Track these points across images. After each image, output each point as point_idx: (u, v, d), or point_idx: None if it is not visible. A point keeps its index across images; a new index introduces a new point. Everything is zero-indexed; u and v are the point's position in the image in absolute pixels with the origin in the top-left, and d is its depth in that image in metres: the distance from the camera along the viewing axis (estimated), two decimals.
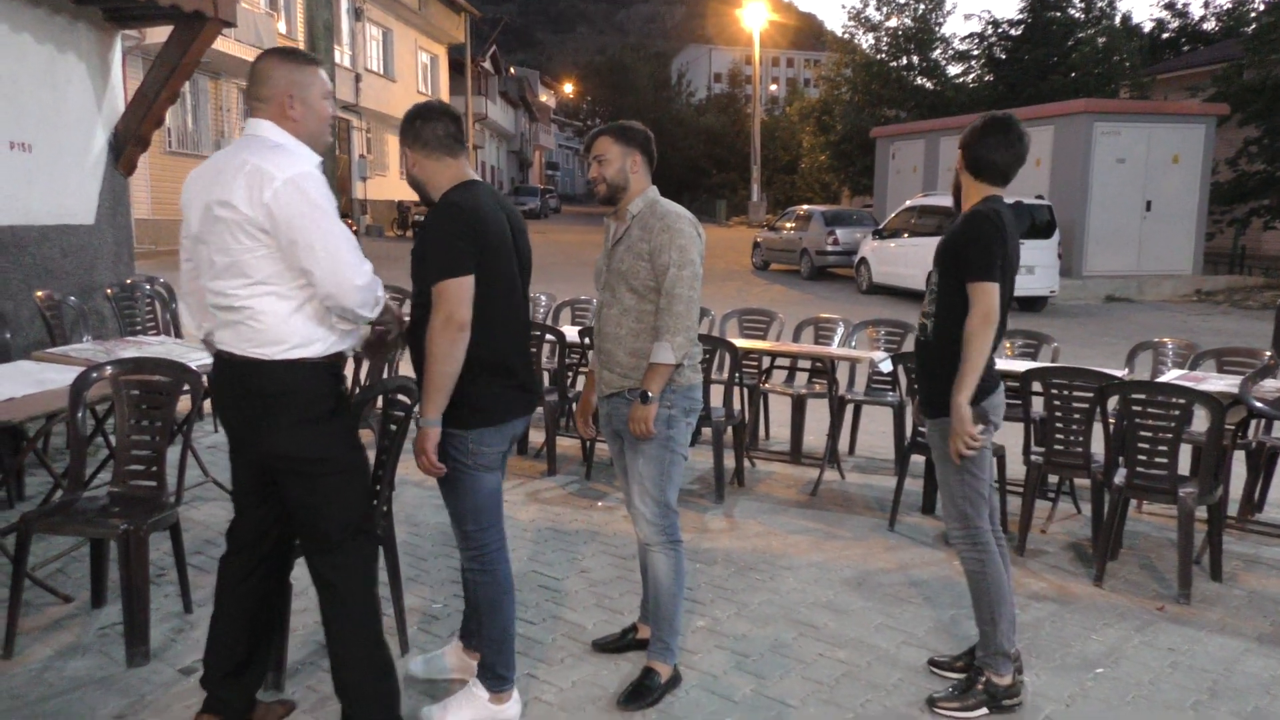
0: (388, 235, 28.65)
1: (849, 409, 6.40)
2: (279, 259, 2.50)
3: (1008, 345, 6.22)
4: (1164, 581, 4.39)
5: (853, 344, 6.75)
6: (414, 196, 3.50)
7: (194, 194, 2.60)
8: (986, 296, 2.98)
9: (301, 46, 7.41)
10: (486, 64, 45.90)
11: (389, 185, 30.66)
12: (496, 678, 3.01)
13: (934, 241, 16.50)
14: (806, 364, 6.63)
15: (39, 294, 5.69)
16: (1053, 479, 5.40)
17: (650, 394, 3.07)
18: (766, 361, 6.50)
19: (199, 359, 4.72)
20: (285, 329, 2.54)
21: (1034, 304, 15.90)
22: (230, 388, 2.63)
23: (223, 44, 19.66)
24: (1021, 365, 5.59)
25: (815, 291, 18.62)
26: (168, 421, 3.57)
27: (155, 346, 4.94)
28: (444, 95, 37.45)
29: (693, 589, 4.18)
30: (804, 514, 5.32)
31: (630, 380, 3.18)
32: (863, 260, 18.42)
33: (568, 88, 75.63)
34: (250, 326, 2.54)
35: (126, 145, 6.94)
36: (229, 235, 2.48)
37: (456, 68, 38.58)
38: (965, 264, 3.02)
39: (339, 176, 27.80)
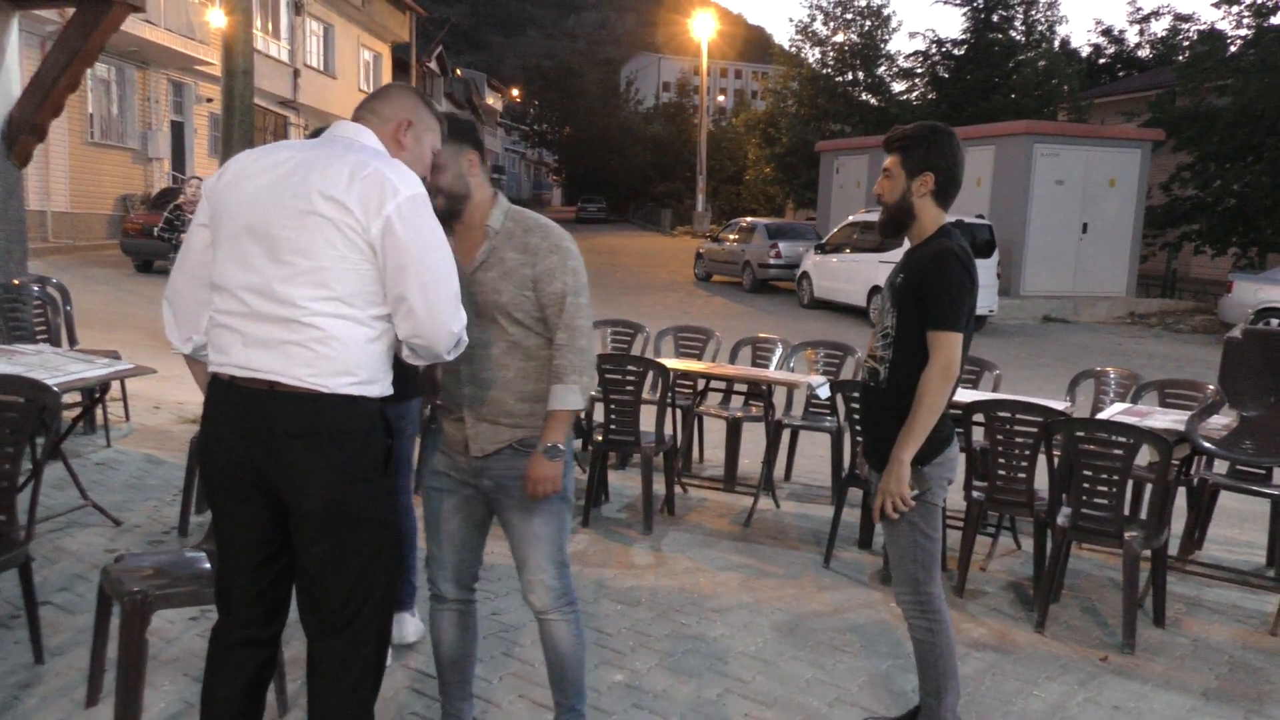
0: None
1: (785, 434, 6.15)
2: (371, 279, 2.15)
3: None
4: (1107, 627, 4.19)
5: (791, 366, 6.52)
6: None
7: (257, 179, 2.19)
8: (949, 348, 2.68)
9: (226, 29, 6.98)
10: (432, 64, 45.22)
11: None
12: None
13: (875, 258, 16.36)
14: (744, 385, 6.38)
15: None
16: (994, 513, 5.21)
17: (560, 446, 2.60)
18: (702, 383, 6.23)
19: (76, 372, 4.31)
20: (357, 359, 2.16)
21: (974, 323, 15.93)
22: (259, 421, 2.15)
23: (151, 33, 18.94)
24: (962, 394, 5.39)
25: (757, 305, 18.47)
26: (19, 448, 3.16)
27: (29, 356, 4.50)
28: None
29: (612, 635, 3.88)
30: (736, 547, 5.04)
31: (523, 430, 2.66)
32: (804, 274, 18.32)
33: (515, 91, 75.05)
34: (312, 350, 2.12)
35: (20, 135, 6.44)
36: (324, 236, 2.11)
37: (401, 67, 37.90)
38: (930, 310, 2.71)
39: None
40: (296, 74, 27.69)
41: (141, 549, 4.41)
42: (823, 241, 18.40)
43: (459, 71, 60.89)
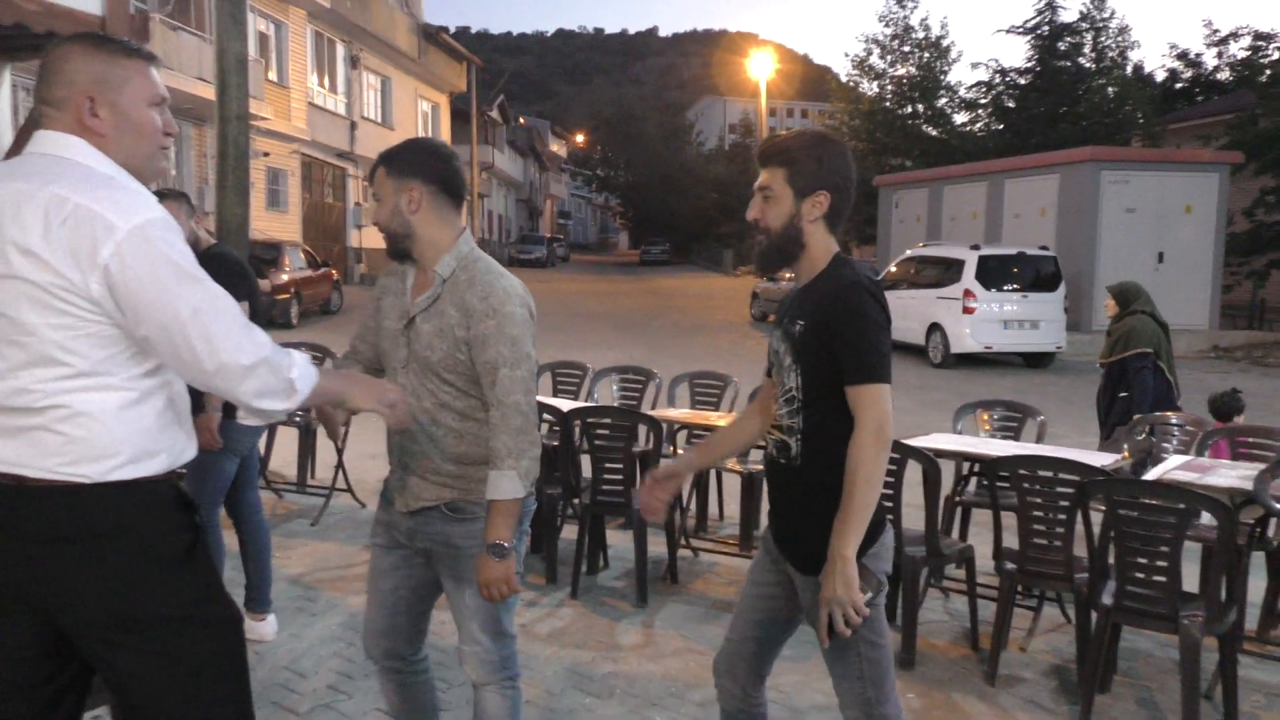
0: None
1: None
2: (117, 338, 1.73)
3: (984, 417, 5.39)
4: None
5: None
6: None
7: None
8: (878, 404, 2.13)
9: (214, 81, 6.80)
10: (494, 113, 45.77)
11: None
12: None
13: (934, 294, 15.59)
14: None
15: None
16: None
17: (505, 545, 2.27)
18: None
19: None
20: (120, 434, 1.73)
21: (1040, 360, 15.09)
22: (5, 525, 1.73)
23: (206, 90, 19.28)
24: (999, 446, 4.76)
25: None
26: None
27: None
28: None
29: None
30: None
31: (452, 490, 2.38)
32: None
33: (580, 137, 75.83)
34: (60, 433, 1.70)
35: None
36: (34, 303, 1.67)
37: (460, 116, 38.38)
38: (847, 361, 2.15)
39: (331, 225, 27.40)
40: (354, 126, 28.09)
41: None
42: (880, 277, 17.72)
43: (522, 120, 61.69)
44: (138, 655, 1.76)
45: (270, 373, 1.79)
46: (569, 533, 5.17)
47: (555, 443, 5.18)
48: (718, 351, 15.58)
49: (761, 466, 5.61)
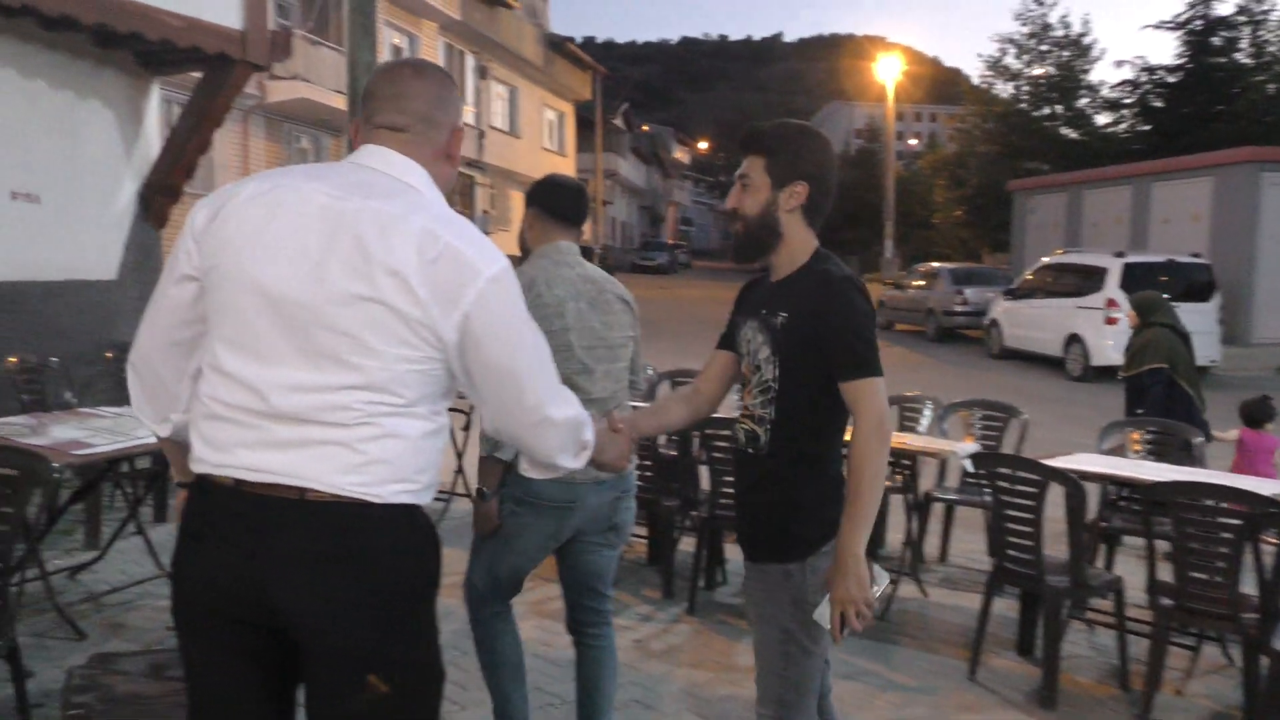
0: None
1: (936, 509, 5.31)
2: (440, 379, 1.69)
3: (1135, 437, 5.01)
4: None
5: (944, 428, 5.65)
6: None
7: (276, 228, 1.64)
8: (877, 399, 2.12)
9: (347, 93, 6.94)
10: (618, 121, 46.18)
11: (510, 240, 30.69)
12: None
13: (1073, 304, 14.92)
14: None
15: (11, 359, 5.21)
16: None
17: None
18: None
19: (143, 436, 4.10)
20: (417, 461, 1.68)
21: None
22: (278, 540, 1.62)
23: (342, 102, 20.01)
24: (1152, 469, 4.40)
25: (939, 355, 17.23)
26: (14, 523, 2.89)
27: (104, 420, 4.35)
28: (571, 152, 37.72)
29: None
30: (864, 647, 4.25)
31: None
32: (994, 322, 16.95)
33: (702, 144, 75.80)
34: (359, 452, 1.62)
35: (156, 197, 6.56)
36: (385, 329, 1.61)
37: (585, 125, 38.83)
38: (840, 357, 2.13)
39: None
40: (482, 135, 28.73)
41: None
42: (1014, 286, 17.01)
43: (646, 127, 62.05)
44: (372, 700, 1.66)
45: (572, 430, 1.82)
46: (687, 545, 5.04)
47: (674, 453, 5.06)
48: None
49: (887, 484, 5.38)
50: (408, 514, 1.68)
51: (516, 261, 2.51)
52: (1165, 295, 13.70)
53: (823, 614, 2.12)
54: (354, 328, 1.60)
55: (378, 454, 1.63)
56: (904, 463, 5.00)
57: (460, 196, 28.58)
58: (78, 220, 6.08)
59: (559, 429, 1.79)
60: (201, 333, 1.72)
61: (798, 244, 2.24)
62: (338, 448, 1.61)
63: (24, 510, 2.92)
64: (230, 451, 1.64)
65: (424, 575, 1.72)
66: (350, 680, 1.65)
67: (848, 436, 2.18)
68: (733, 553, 5.25)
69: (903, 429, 5.75)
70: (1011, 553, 3.89)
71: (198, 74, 6.65)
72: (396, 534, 1.66)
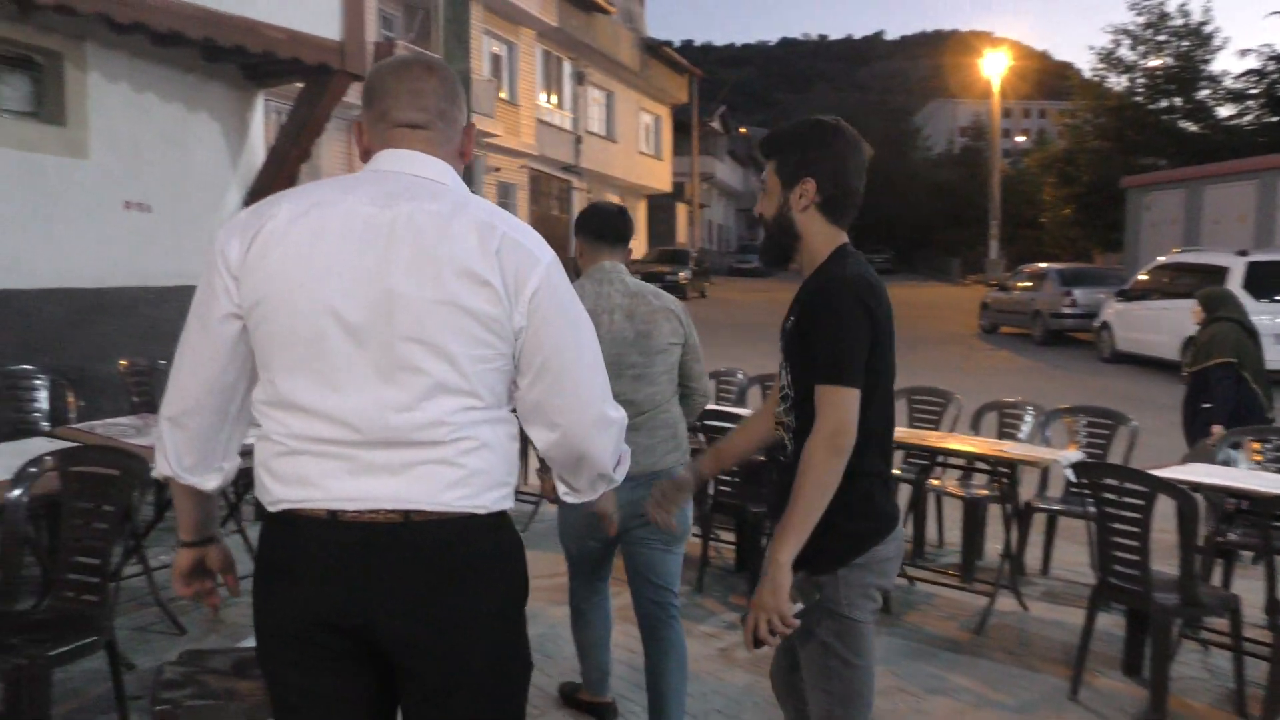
0: None
1: (1038, 519, 5.09)
2: (510, 374, 1.68)
3: (1255, 446, 4.71)
4: None
5: (1046, 436, 5.41)
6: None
7: (324, 248, 1.57)
8: (837, 409, 2.00)
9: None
10: (715, 124, 46.06)
11: None
12: None
13: (1190, 304, 14.29)
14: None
15: (122, 362, 5.45)
16: None
17: None
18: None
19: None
20: (508, 464, 1.69)
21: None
22: (386, 566, 1.59)
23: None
24: (1271, 480, 4.13)
25: (1047, 359, 16.62)
26: (116, 520, 3.00)
27: None
28: (667, 155, 37.78)
29: None
30: (958, 662, 4.10)
31: None
32: (1105, 324, 16.26)
33: None
34: (460, 465, 1.60)
35: None
36: (464, 333, 1.58)
37: (681, 128, 38.85)
38: (818, 356, 2.05)
39: (557, 236, 28.39)
40: (579, 140, 29.02)
41: None
42: (1127, 287, 16.29)
43: (744, 129, 61.76)
44: (479, 700, 1.67)
45: (620, 436, 1.78)
46: None
47: (761, 458, 4.97)
48: (941, 365, 14.82)
49: (986, 492, 5.19)
50: (505, 519, 1.69)
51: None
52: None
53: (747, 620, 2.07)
54: (431, 335, 1.57)
55: (476, 465, 1.62)
56: (1002, 470, 4.82)
57: (558, 201, 28.95)
58: (186, 228, 6.33)
59: (614, 430, 1.74)
60: (245, 371, 1.66)
61: (818, 243, 2.17)
62: (438, 465, 1.59)
63: (127, 508, 3.02)
64: (320, 485, 1.59)
65: (521, 576, 1.73)
66: (457, 689, 1.65)
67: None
68: None
69: (1002, 436, 5.54)
70: (1117, 567, 3.68)
71: (300, 84, 6.84)
72: (498, 541, 1.67)
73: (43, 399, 4.89)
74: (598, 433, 1.72)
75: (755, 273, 45.49)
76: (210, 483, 1.73)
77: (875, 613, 2.17)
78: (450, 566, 1.61)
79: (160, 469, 1.71)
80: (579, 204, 29.71)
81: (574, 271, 2.92)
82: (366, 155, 1.75)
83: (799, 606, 2.02)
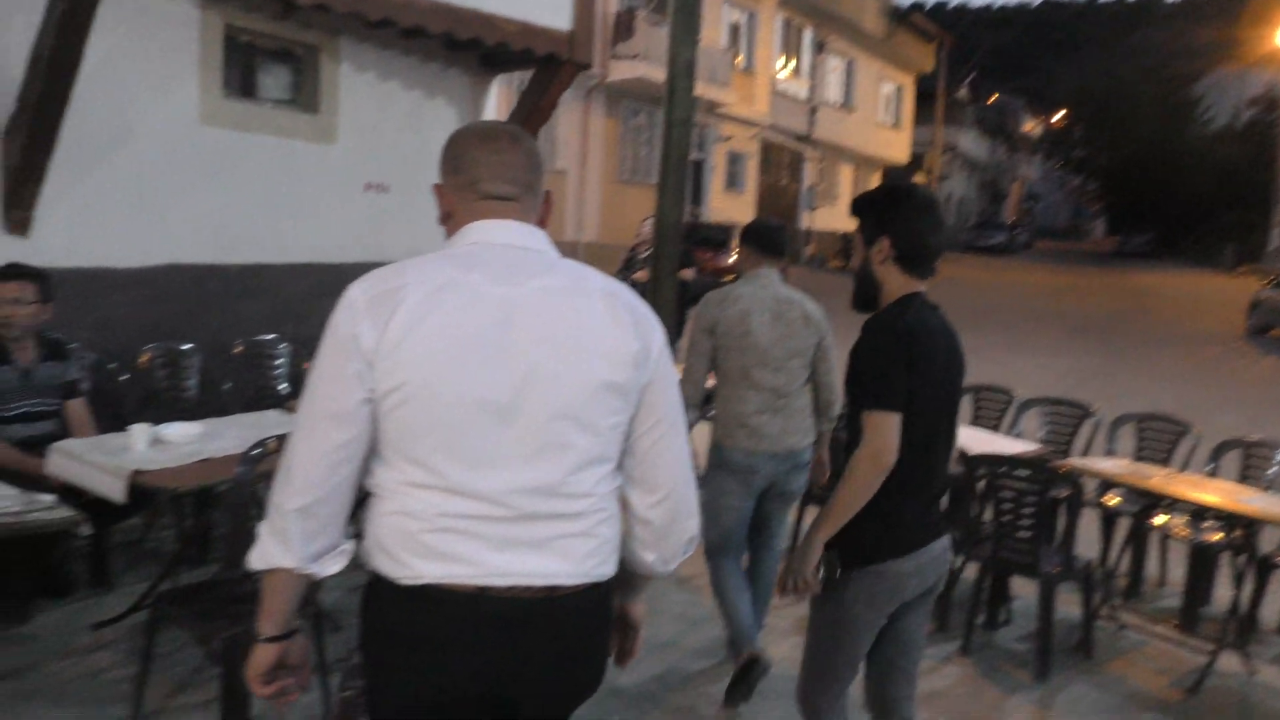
0: (831, 266, 28.27)
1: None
2: (628, 429, 1.74)
3: None
4: None
5: None
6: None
7: (465, 332, 1.59)
8: (879, 433, 2.36)
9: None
10: (962, 93, 43.77)
11: (836, 216, 30.27)
12: None
13: None
14: None
15: None
16: None
17: None
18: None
19: None
20: (619, 529, 1.77)
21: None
22: (533, 639, 1.64)
23: None
24: None
25: None
26: None
27: None
28: (908, 126, 36.32)
29: None
30: None
31: None
32: None
33: (1057, 115, 69.98)
34: (594, 537, 1.68)
35: None
36: (600, 405, 1.65)
37: (924, 98, 37.21)
38: (863, 388, 2.43)
39: (785, 207, 28.04)
40: (814, 110, 28.41)
41: None
42: None
43: (993, 98, 58.25)
44: None
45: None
46: (970, 571, 4.69)
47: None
48: (1193, 370, 13.50)
49: (1218, 537, 4.71)
50: (611, 584, 1.75)
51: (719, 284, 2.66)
52: None
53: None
54: (578, 410, 1.62)
55: (608, 534, 1.71)
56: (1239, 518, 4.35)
57: (789, 171, 28.55)
58: (420, 209, 6.74)
59: (694, 491, 1.82)
60: (368, 453, 1.63)
61: (894, 290, 2.50)
62: (578, 538, 1.66)
63: None
64: (469, 561, 1.60)
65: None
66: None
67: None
68: (1022, 588, 4.85)
69: (1245, 479, 4.99)
70: None
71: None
72: (610, 603, 1.77)
73: (284, 368, 5.40)
74: (688, 495, 1.79)
75: (995, 249, 43.08)
76: (334, 567, 1.68)
77: (882, 617, 2.49)
78: (585, 634, 1.71)
79: (274, 561, 1.63)
80: (810, 175, 29.19)
81: (682, 286, 3.13)
82: (447, 219, 1.76)
83: (823, 575, 2.46)
